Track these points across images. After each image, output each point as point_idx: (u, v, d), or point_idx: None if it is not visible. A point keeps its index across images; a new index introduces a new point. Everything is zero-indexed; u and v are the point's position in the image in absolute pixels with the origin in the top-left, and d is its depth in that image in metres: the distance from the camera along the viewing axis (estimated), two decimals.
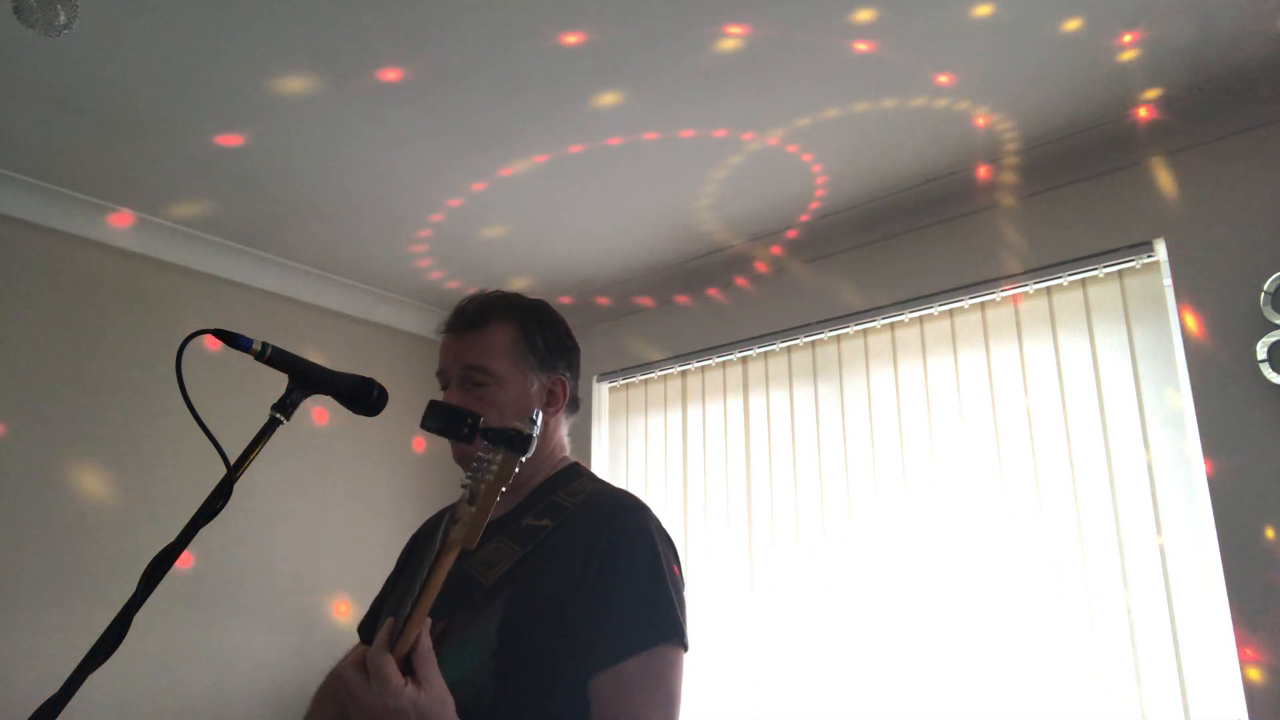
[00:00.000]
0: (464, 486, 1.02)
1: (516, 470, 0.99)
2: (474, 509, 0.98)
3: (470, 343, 1.33)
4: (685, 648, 1.18)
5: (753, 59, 2.15)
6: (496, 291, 1.42)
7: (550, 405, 1.36)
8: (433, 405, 1.12)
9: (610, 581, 1.15)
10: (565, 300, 3.59)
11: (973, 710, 2.47)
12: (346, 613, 3.21)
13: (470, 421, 1.07)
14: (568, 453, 1.42)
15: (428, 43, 2.07)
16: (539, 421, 1.00)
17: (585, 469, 1.39)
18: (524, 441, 0.98)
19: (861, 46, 2.11)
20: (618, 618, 1.13)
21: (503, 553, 1.23)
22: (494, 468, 0.98)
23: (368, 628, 1.47)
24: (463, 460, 1.31)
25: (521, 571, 1.20)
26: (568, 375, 1.39)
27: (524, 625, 1.14)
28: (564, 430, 1.42)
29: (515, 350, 1.34)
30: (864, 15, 2.00)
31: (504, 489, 0.98)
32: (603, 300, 3.59)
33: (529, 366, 1.34)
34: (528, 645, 1.13)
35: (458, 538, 0.98)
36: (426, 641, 1.00)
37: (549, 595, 1.16)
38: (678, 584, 1.21)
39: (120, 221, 2.87)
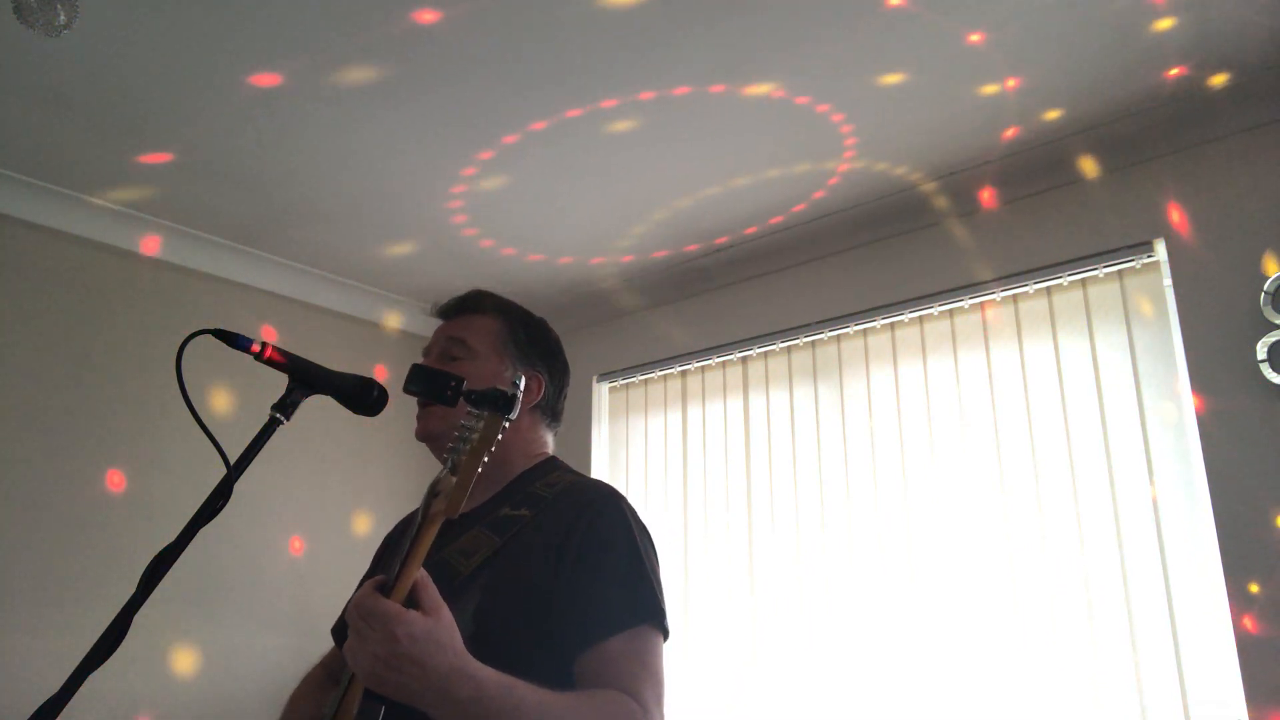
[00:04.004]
0: (445, 456, 0.98)
1: (500, 436, 0.95)
2: (456, 478, 0.94)
3: (458, 323, 1.42)
4: (665, 633, 1.19)
5: (759, 56, 2.15)
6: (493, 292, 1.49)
7: (524, 397, 1.39)
8: (415, 368, 1.08)
9: (589, 565, 1.16)
10: (565, 300, 3.59)
11: (973, 710, 2.47)
12: None
13: (453, 384, 1.04)
14: (548, 450, 1.45)
15: (426, 40, 2.08)
16: (521, 385, 0.98)
17: (563, 463, 1.42)
18: (508, 401, 0.93)
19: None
20: (599, 599, 1.15)
21: (481, 542, 1.24)
22: (476, 434, 0.94)
23: (341, 631, 1.48)
24: (426, 437, 1.35)
25: (499, 560, 1.21)
26: (545, 376, 1.43)
27: (500, 611, 1.15)
28: (543, 431, 1.45)
29: (497, 337, 1.40)
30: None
31: (487, 456, 0.94)
32: (603, 300, 3.59)
33: (507, 354, 1.40)
34: (504, 631, 1.14)
35: (439, 509, 0.95)
36: (425, 575, 0.97)
37: (526, 581, 1.17)
38: (655, 570, 1.23)
39: (121, 222, 2.87)
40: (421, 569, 0.97)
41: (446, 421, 1.31)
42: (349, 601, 0.96)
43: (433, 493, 1.00)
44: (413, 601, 0.95)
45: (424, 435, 1.35)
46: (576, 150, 2.54)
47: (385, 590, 0.96)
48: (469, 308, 1.44)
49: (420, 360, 1.40)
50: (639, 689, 1.10)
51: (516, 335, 1.42)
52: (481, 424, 0.94)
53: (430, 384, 1.06)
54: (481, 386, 1.26)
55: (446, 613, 0.96)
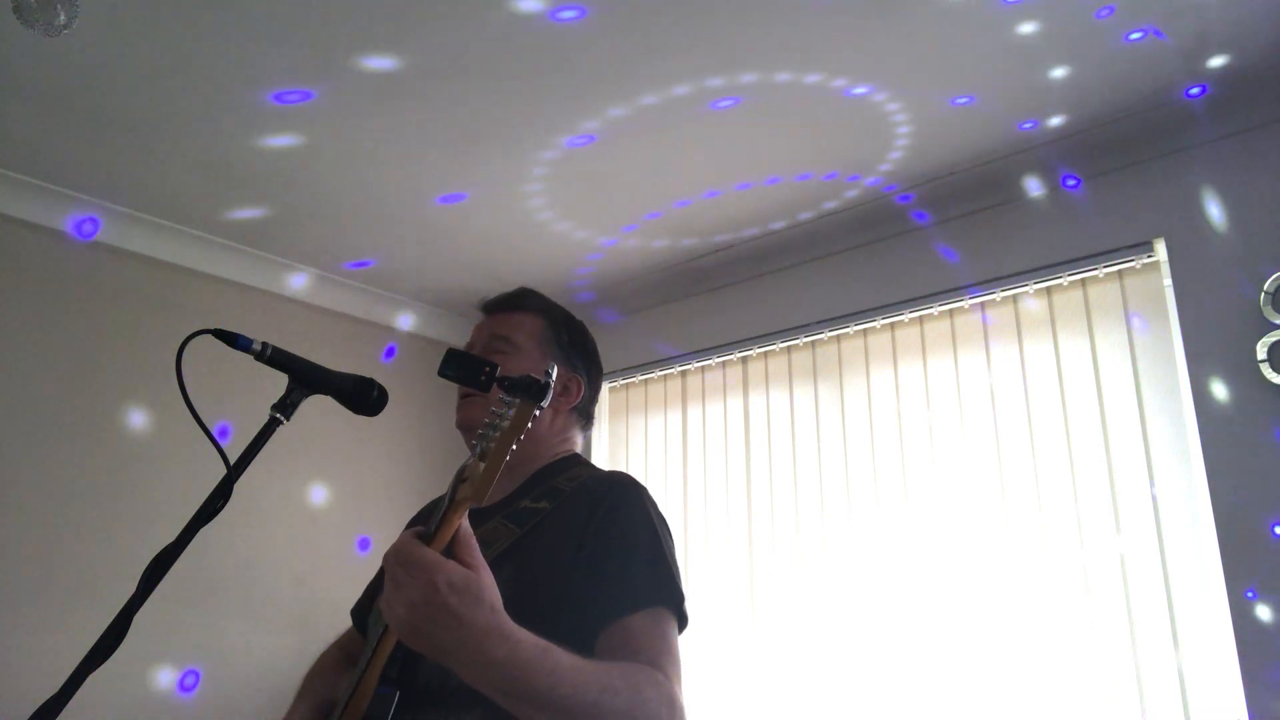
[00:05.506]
0: (474, 443, 0.98)
1: (530, 425, 0.94)
2: (484, 465, 0.93)
3: (503, 319, 1.44)
4: (683, 621, 1.19)
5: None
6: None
7: (562, 397, 1.41)
8: (450, 353, 1.07)
9: (609, 547, 1.17)
10: (565, 300, 3.58)
11: (973, 710, 2.47)
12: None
13: (488, 370, 1.03)
14: (574, 448, 1.46)
15: (427, 38, 2.07)
16: (554, 374, 0.97)
17: (585, 459, 1.43)
18: (541, 389, 0.92)
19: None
20: (620, 578, 1.15)
21: (500, 533, 1.24)
22: (506, 421, 0.94)
23: (361, 612, 1.48)
24: (466, 426, 1.36)
25: (518, 551, 1.21)
26: (585, 379, 1.45)
27: (521, 602, 1.14)
28: (574, 432, 1.47)
29: (541, 335, 1.42)
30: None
31: (516, 444, 0.94)
32: (603, 300, 3.59)
33: (550, 353, 1.41)
34: (525, 621, 1.14)
35: (466, 494, 0.94)
36: (467, 527, 0.96)
37: (544, 572, 1.17)
38: (674, 559, 1.23)
39: (120, 221, 2.87)
40: (467, 525, 0.96)
41: (486, 410, 1.31)
42: (388, 550, 0.94)
43: (460, 479, 0.99)
44: (452, 556, 0.93)
45: (464, 424, 1.36)
46: (580, 152, 2.54)
47: (427, 535, 0.95)
48: (515, 304, 1.46)
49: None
50: (664, 665, 1.09)
51: (560, 336, 1.44)
52: (512, 411, 0.93)
53: (464, 369, 1.05)
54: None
55: (488, 571, 0.94)
